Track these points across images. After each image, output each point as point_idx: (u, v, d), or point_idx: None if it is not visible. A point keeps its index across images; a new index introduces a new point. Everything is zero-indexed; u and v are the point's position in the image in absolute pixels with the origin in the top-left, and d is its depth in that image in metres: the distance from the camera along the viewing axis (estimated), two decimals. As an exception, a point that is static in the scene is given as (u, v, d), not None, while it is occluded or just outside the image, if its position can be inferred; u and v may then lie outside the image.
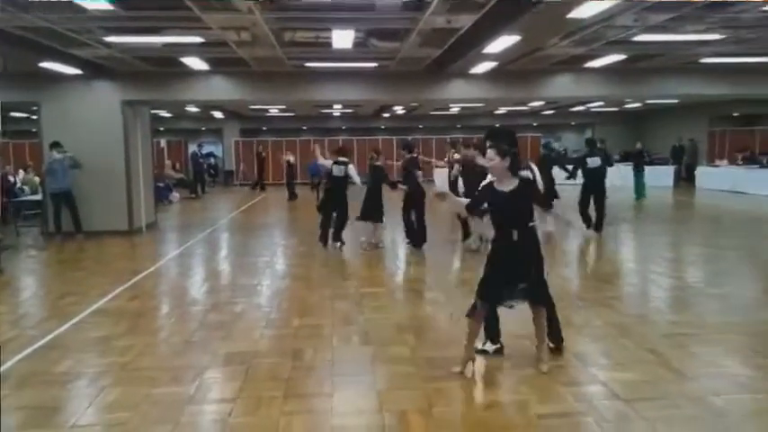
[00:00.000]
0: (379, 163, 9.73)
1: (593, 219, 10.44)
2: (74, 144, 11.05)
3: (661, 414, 3.58)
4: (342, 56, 10.29)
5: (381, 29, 8.48)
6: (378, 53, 10.24)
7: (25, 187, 14.42)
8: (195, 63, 10.83)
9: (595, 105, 23.41)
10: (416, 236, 9.42)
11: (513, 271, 4.16)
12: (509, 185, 4.15)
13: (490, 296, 4.21)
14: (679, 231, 11.59)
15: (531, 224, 4.22)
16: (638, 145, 18.35)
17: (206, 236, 11.62)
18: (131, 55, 10.11)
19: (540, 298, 4.30)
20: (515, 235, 4.11)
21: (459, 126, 29.59)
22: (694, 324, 5.43)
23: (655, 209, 15.46)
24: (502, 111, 25.93)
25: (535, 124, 29.49)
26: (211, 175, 26.53)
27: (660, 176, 20.45)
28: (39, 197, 11.99)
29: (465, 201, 4.42)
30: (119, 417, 3.69)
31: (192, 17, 7.29)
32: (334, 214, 9.60)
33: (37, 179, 12.45)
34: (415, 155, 9.80)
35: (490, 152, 4.17)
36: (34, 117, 12.56)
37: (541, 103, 21.02)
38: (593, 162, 10.47)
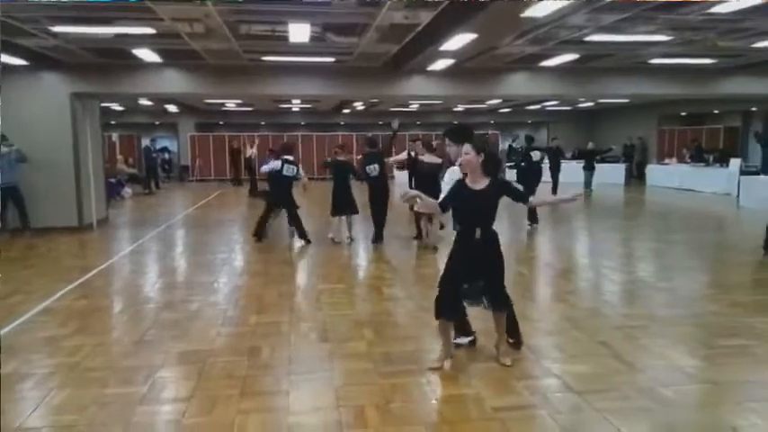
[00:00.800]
0: (342, 158, 9.87)
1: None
2: (20, 137, 10.61)
3: (612, 405, 3.68)
4: (299, 50, 10.18)
5: (338, 23, 8.43)
6: (335, 48, 10.18)
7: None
8: (147, 55, 10.53)
9: (550, 104, 23.91)
10: (375, 232, 9.62)
11: (474, 269, 4.21)
12: (480, 184, 4.17)
13: (451, 295, 4.25)
14: (630, 227, 11.95)
15: (493, 225, 4.26)
16: (590, 144, 20.00)
17: (160, 232, 11.35)
18: (79, 46, 9.77)
19: (500, 298, 4.34)
20: (478, 233, 4.16)
21: (418, 123, 29.74)
22: (644, 317, 5.61)
23: (606, 205, 15.92)
24: (460, 108, 26.21)
25: (492, 122, 29.90)
26: (165, 171, 25.92)
27: (611, 174, 21.08)
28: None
29: (435, 201, 4.38)
30: (67, 419, 3.57)
31: (143, 7, 7.10)
32: (282, 211, 10.02)
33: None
34: (378, 151, 9.97)
35: (467, 146, 4.20)
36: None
37: (498, 101, 21.34)
38: (535, 156, 11.88)
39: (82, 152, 11.55)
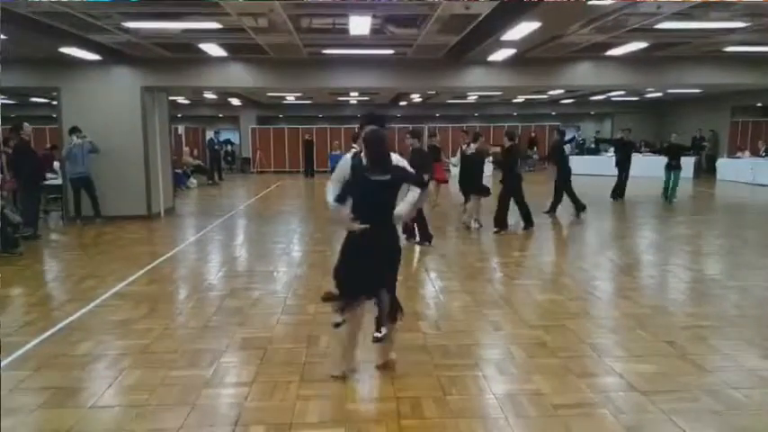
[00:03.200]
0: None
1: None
2: (93, 129, 11.16)
3: (679, 407, 3.55)
4: (359, 43, 10.23)
5: (399, 15, 8.42)
6: (395, 40, 10.18)
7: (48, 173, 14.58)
8: (213, 49, 10.84)
9: (615, 94, 23.09)
10: (420, 232, 9.06)
11: (367, 265, 3.92)
12: (383, 176, 3.88)
13: (347, 294, 4.01)
14: (698, 223, 11.43)
15: (390, 219, 3.99)
16: (674, 137, 14.96)
17: (223, 222, 11.71)
18: (150, 41, 10.15)
19: (395, 302, 4.12)
20: (374, 227, 3.89)
21: (476, 114, 29.39)
22: (713, 316, 5.37)
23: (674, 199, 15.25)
24: (520, 99, 25.71)
25: (554, 113, 29.21)
26: (228, 162, 26.67)
27: (655, 166, 20.13)
28: (59, 182, 12.14)
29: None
30: (137, 398, 3.75)
31: (210, 3, 7.30)
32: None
33: (57, 164, 12.59)
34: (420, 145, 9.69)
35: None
36: (54, 102, 12.70)
37: (561, 91, 20.78)
38: (568, 150, 11.89)
39: (151, 144, 12.03)
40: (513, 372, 4.13)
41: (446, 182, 12.91)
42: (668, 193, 14.05)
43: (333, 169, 4.28)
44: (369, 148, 3.90)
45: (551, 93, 21.68)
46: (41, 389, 3.92)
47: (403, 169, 4.04)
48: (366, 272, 3.91)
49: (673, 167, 14.05)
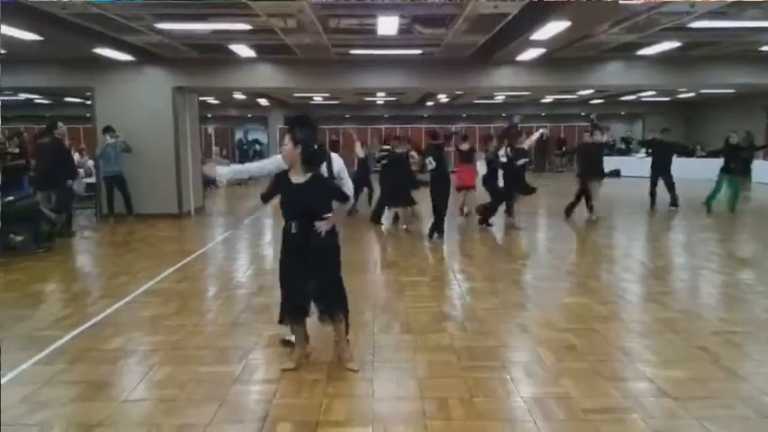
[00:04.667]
0: (399, 150, 9.94)
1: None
2: (125, 129, 11.39)
3: (711, 413, 3.48)
4: (386, 43, 10.25)
5: (427, 15, 8.41)
6: (423, 40, 10.17)
7: (80, 170, 14.92)
8: (242, 50, 10.97)
9: (646, 95, 22.67)
10: (435, 226, 9.20)
11: (300, 268, 4.00)
12: (301, 178, 3.94)
13: (289, 310, 4.11)
14: (732, 226, 11.16)
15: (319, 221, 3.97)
16: (734, 137, 12.56)
17: (252, 221, 11.84)
18: (181, 42, 10.32)
19: (334, 303, 4.14)
20: (294, 228, 3.95)
21: (503, 115, 29.16)
22: (747, 322, 5.24)
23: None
24: (548, 99, 25.41)
25: (583, 114, 28.78)
26: (256, 162, 26.93)
27: (713, 169, 19.69)
28: (92, 180, 12.41)
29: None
30: (168, 393, 3.81)
31: (240, 4, 7.38)
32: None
33: (91, 162, 12.87)
34: (440, 142, 9.68)
35: (286, 138, 4.00)
36: (88, 102, 12.99)
37: (590, 91, 20.49)
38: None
39: (182, 143, 12.23)
40: (541, 375, 4.08)
41: (473, 188, 11.97)
42: (729, 201, 12.29)
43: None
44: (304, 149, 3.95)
45: (581, 93, 21.39)
46: (75, 382, 4.01)
47: (328, 177, 4.18)
48: (295, 272, 4.01)
49: (732, 171, 12.15)
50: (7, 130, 20.02)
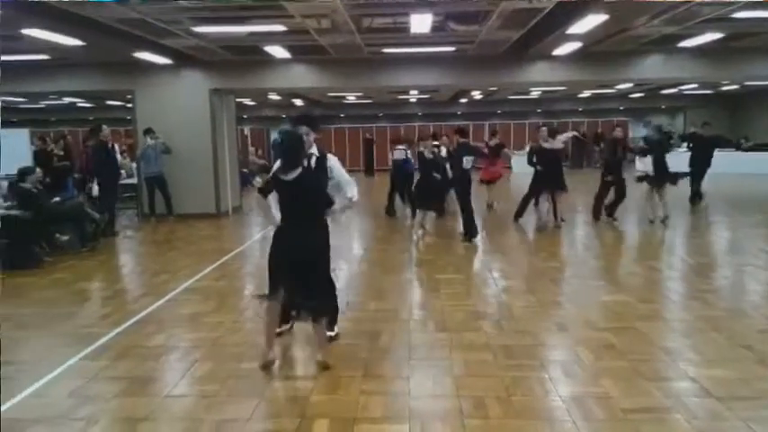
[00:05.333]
0: (422, 149, 9.47)
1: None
2: (165, 130, 11.65)
3: (758, 414, 3.38)
4: (419, 41, 10.22)
5: (460, 12, 8.36)
6: (456, 37, 10.11)
7: (122, 171, 15.33)
8: (277, 51, 11.10)
9: (688, 88, 22.06)
10: (466, 226, 8.98)
11: (284, 261, 4.07)
12: (291, 174, 3.98)
13: (272, 291, 4.15)
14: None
15: (317, 218, 4.10)
16: None
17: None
18: (217, 45, 10.49)
19: (319, 305, 4.12)
20: (291, 226, 4.05)
21: (539, 110, 28.78)
22: (796, 321, 5.06)
23: (752, 198, 14.46)
24: (586, 94, 24.98)
25: (622, 108, 28.21)
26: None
27: (760, 164, 19.07)
28: (134, 181, 12.74)
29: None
30: (208, 389, 3.90)
31: (275, 5, 7.47)
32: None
33: (133, 164, 13.20)
34: (468, 140, 9.53)
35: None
36: (129, 105, 13.34)
37: (629, 85, 20.05)
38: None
39: (219, 144, 12.44)
40: (580, 374, 4.03)
41: (493, 181, 12.51)
42: None
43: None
44: (280, 148, 4.06)
45: (619, 87, 20.94)
46: (119, 378, 4.13)
47: (316, 175, 4.23)
48: (283, 268, 4.07)
49: None
50: (52, 134, 20.77)
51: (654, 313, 5.38)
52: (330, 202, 4.27)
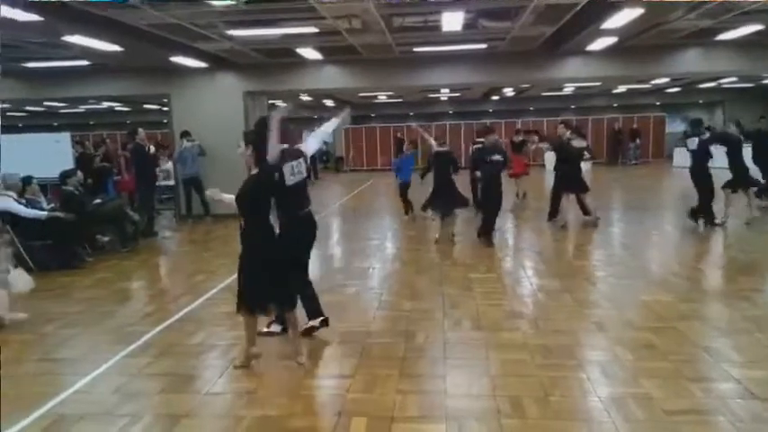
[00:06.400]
0: (444, 149, 9.23)
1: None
2: (200, 133, 11.86)
3: (807, 417, 3.28)
4: (450, 39, 10.17)
5: (492, 9, 8.30)
6: (488, 34, 10.04)
7: (159, 173, 15.64)
8: (309, 53, 11.19)
9: (727, 81, 21.47)
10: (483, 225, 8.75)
11: (252, 261, 4.26)
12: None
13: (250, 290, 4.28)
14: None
15: (260, 215, 4.29)
16: None
17: (319, 220, 12.00)
18: (251, 47, 10.63)
19: (284, 297, 4.30)
20: (243, 223, 4.33)
21: (572, 107, 28.37)
22: None
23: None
24: (621, 89, 24.51)
25: (658, 103, 27.61)
26: (323, 162, 27.43)
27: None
28: (171, 183, 13.00)
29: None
30: (247, 386, 3.97)
31: (307, 7, 7.54)
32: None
33: (169, 165, 13.45)
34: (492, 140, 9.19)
35: (242, 145, 4.33)
36: (165, 108, 13.62)
37: (666, 80, 19.61)
38: (692, 144, 9.44)
39: (253, 146, 12.58)
40: (620, 374, 3.97)
41: (522, 174, 13.08)
42: None
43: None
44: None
45: (655, 82, 20.51)
46: (161, 375, 4.24)
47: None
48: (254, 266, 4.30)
49: None
50: (91, 137, 21.34)
51: (695, 313, 5.26)
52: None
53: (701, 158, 9.33)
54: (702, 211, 9.29)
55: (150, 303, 6.20)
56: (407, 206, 11.23)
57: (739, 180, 9.41)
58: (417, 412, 3.52)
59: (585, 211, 9.89)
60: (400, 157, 12.20)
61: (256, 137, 4.29)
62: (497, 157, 8.55)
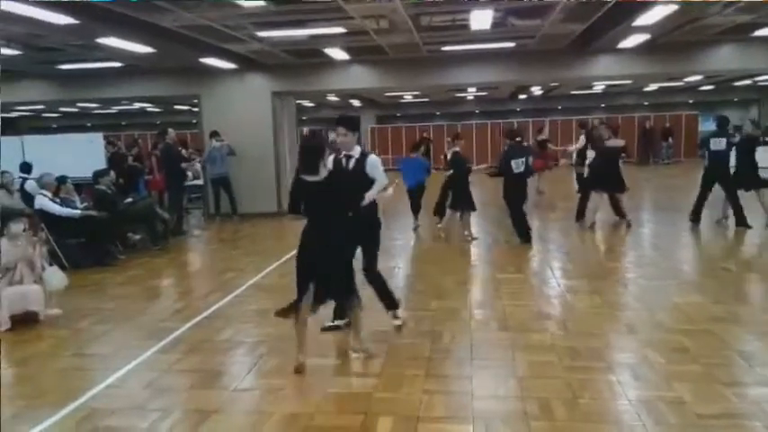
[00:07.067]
0: (458, 149, 9.13)
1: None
2: (229, 133, 12.01)
3: None
4: (479, 37, 10.12)
5: (522, 7, 8.22)
6: (517, 32, 9.96)
7: (189, 173, 15.86)
8: (337, 53, 11.25)
9: (763, 79, 20.89)
10: (518, 229, 8.64)
11: (310, 262, 4.18)
12: (315, 176, 4.09)
13: (300, 292, 4.19)
14: None
15: (343, 217, 4.20)
16: None
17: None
18: (279, 48, 10.73)
19: (346, 293, 4.27)
20: (316, 226, 4.18)
21: (602, 106, 27.95)
22: None
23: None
24: (652, 87, 24.07)
25: (691, 101, 27.03)
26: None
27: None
28: (200, 182, 13.19)
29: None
30: (275, 383, 4.01)
31: (335, 8, 7.57)
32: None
33: (198, 165, 13.64)
34: (519, 140, 9.26)
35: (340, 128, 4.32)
36: (195, 109, 13.83)
37: (699, 77, 19.18)
38: (717, 144, 9.09)
39: (281, 146, 12.73)
40: (650, 377, 3.89)
41: (545, 169, 13.22)
42: None
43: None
44: (300, 151, 4.27)
45: (688, 79, 20.08)
46: (191, 371, 4.31)
47: (345, 174, 4.38)
48: (309, 269, 4.18)
49: None
50: (123, 137, 21.78)
51: (729, 315, 5.13)
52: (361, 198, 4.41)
53: (729, 159, 9.09)
54: (735, 213, 9.03)
55: (180, 300, 6.31)
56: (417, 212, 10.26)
57: (753, 180, 9.08)
58: (444, 413, 3.51)
59: (619, 213, 9.69)
60: (407, 157, 10.86)
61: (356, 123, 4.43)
62: (521, 169, 8.40)
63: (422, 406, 3.59)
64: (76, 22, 7.13)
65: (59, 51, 9.96)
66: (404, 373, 4.08)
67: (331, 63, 12.06)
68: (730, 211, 9.17)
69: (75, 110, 23.96)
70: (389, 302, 4.93)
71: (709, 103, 27.10)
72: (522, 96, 26.13)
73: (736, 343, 4.42)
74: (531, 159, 8.78)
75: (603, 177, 9.47)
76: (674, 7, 7.49)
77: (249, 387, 4.01)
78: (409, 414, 3.49)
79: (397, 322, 4.92)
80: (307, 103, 25.27)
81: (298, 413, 3.57)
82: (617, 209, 9.66)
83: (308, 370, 4.19)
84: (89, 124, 28.18)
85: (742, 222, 8.93)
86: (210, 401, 3.78)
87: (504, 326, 5.02)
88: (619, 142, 9.85)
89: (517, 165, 8.36)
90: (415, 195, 9.99)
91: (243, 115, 12.32)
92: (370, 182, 4.55)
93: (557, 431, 3.27)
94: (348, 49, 11.04)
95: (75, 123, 27.48)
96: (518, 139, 9.36)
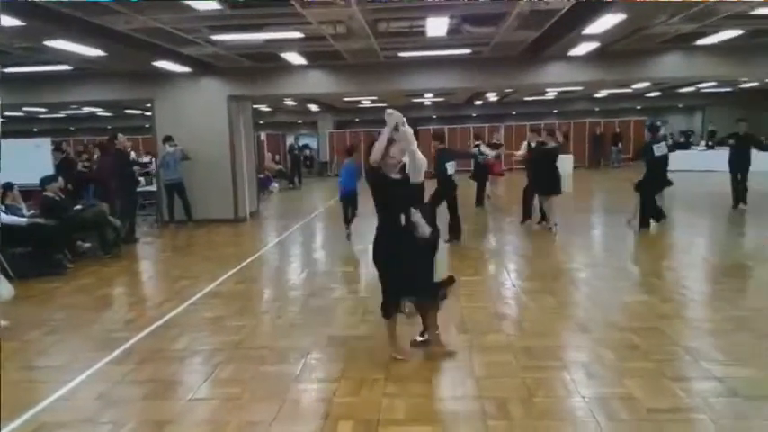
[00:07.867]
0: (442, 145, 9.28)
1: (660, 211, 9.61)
2: (184, 138, 11.78)
3: (787, 414, 3.33)
4: (435, 44, 10.24)
5: (477, 14, 8.36)
6: (472, 39, 10.10)
7: (141, 179, 15.49)
8: (294, 58, 11.18)
9: (706, 86, 21.82)
10: (452, 230, 8.81)
11: (400, 257, 4.23)
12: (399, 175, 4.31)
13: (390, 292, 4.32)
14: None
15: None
16: None
17: (305, 224, 12.03)
18: (235, 52, 10.59)
19: (427, 291, 4.34)
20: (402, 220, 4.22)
21: (555, 111, 28.64)
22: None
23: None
24: (602, 94, 24.83)
25: (639, 107, 27.97)
26: (307, 167, 27.35)
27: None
28: (153, 188, 12.89)
29: None
30: (232, 392, 3.94)
31: (292, 12, 7.53)
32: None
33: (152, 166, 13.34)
34: (446, 145, 9.51)
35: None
36: (147, 114, 13.51)
37: (647, 84, 19.89)
38: (660, 149, 9.29)
39: (237, 151, 12.55)
40: (603, 374, 4.00)
41: (501, 174, 13.54)
42: None
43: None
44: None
45: (636, 86, 20.79)
46: (144, 381, 4.19)
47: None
48: (397, 267, 4.29)
49: None
50: (72, 142, 21.09)
51: (677, 313, 5.32)
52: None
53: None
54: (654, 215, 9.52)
55: (132, 309, 6.14)
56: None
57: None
58: (404, 415, 3.52)
59: (543, 216, 9.94)
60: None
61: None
62: (453, 171, 8.65)
63: (382, 409, 3.59)
64: (22, 23, 6.89)
65: (4, 54, 9.59)
66: (364, 377, 4.07)
67: (288, 67, 11.98)
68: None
69: (21, 114, 23.10)
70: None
71: (656, 108, 28.10)
72: (479, 102, 26.53)
73: (683, 339, 4.58)
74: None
75: (540, 179, 9.72)
76: (621, 16, 7.74)
77: (205, 396, 3.94)
78: (369, 417, 3.49)
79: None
80: (263, 108, 25.02)
81: (255, 421, 3.52)
82: (542, 211, 9.93)
83: (266, 377, 4.15)
84: (35, 129, 27.19)
85: (645, 224, 9.41)
86: (164, 412, 3.69)
87: (463, 328, 5.07)
88: (552, 143, 10.02)
89: (451, 167, 8.60)
90: (349, 203, 9.84)
91: (198, 120, 12.11)
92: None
93: (514, 429, 3.32)
94: (305, 54, 10.99)
95: (21, 129, 26.46)
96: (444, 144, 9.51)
